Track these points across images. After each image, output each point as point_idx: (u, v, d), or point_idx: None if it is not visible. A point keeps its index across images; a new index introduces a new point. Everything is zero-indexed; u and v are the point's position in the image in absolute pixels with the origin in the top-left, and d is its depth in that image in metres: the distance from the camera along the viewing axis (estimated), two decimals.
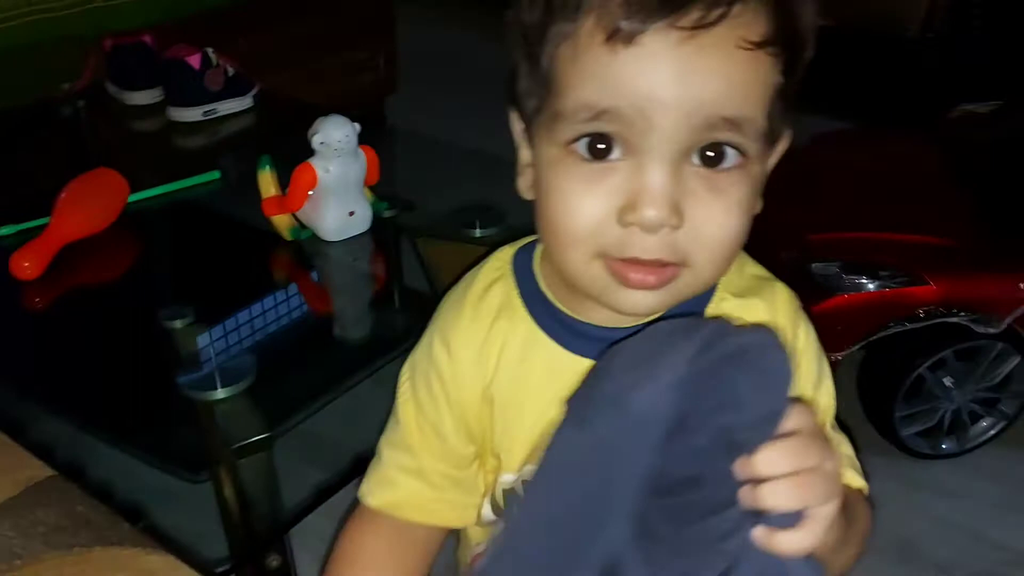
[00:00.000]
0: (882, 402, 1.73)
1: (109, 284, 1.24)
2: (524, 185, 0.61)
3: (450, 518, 0.70)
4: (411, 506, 0.68)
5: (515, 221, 1.18)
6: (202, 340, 1.00)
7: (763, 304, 0.64)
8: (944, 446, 1.77)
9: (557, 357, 0.63)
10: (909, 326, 1.64)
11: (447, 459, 0.67)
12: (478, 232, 1.21)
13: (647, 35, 0.50)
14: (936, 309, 1.63)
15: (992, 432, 1.77)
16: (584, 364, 0.62)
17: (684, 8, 0.50)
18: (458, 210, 1.25)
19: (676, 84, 0.51)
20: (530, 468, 0.64)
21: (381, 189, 1.26)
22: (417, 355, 0.68)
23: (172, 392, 0.94)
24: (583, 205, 0.54)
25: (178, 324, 1.03)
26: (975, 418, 1.76)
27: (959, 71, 2.47)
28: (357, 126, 1.18)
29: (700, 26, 0.50)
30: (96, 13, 2.21)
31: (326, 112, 1.19)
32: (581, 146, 0.54)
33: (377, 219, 1.24)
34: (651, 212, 0.52)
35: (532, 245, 0.67)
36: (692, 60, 0.50)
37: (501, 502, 0.68)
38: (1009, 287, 1.63)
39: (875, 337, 1.66)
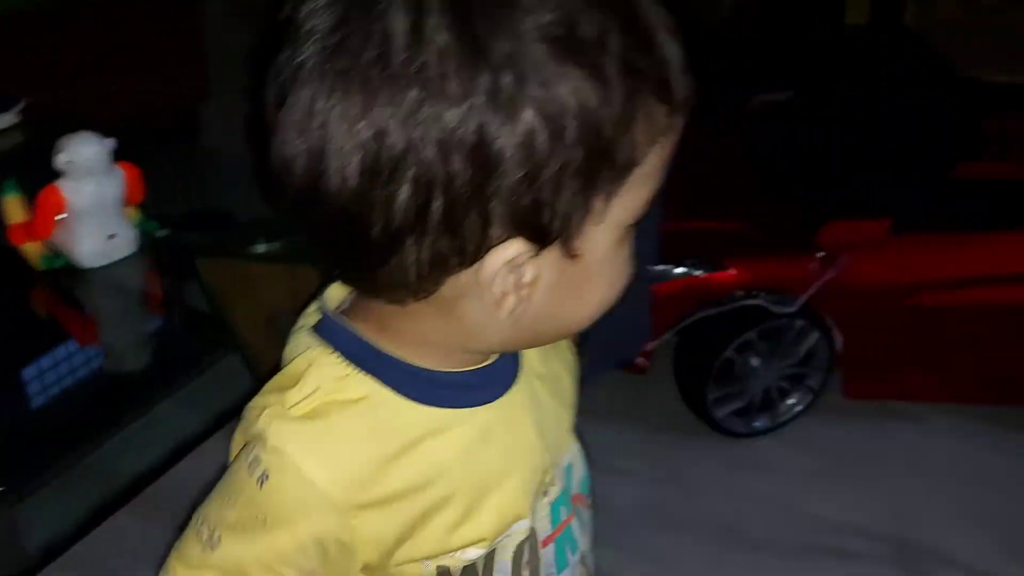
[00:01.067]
0: (695, 386, 1.76)
1: None
2: (506, 311, 0.51)
3: None
4: None
5: (296, 235, 1.13)
6: None
7: None
8: (757, 424, 1.82)
9: (478, 419, 0.56)
10: (713, 311, 1.68)
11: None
12: (260, 248, 1.15)
13: None
14: (736, 293, 1.67)
15: (801, 407, 1.83)
16: (505, 405, 0.57)
17: None
18: (239, 226, 1.19)
19: None
20: (502, 540, 0.58)
21: (170, 208, 1.19)
22: (277, 497, 0.52)
23: None
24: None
25: None
26: (784, 394, 1.82)
27: (758, 63, 2.56)
28: (108, 142, 1.10)
29: None
30: None
31: (110, 127, 1.12)
32: None
33: (149, 240, 1.16)
34: None
35: (333, 327, 0.55)
36: None
37: None
38: (801, 267, 1.69)
39: (685, 323, 1.69)
